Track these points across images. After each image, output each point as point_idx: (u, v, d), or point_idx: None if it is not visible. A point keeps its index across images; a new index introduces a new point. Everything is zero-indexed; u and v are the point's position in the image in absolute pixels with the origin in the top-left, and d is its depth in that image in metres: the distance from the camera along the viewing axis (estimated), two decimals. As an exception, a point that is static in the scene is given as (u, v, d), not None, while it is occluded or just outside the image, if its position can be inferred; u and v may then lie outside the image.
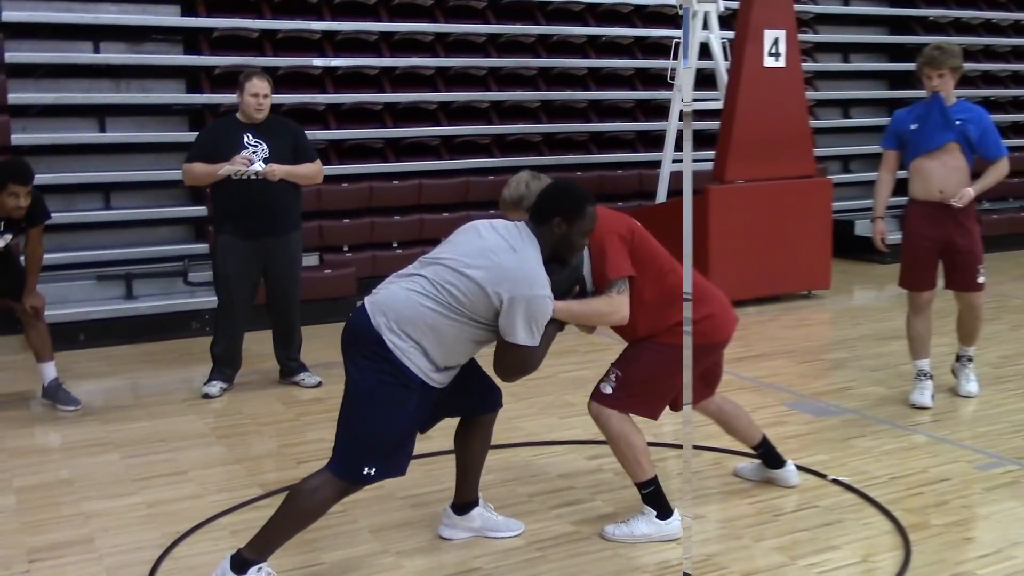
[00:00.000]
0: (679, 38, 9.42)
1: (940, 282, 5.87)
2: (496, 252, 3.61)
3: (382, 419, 3.56)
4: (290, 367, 6.49)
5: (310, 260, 8.72)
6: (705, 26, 9.35)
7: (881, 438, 5.25)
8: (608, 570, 3.85)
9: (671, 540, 4.05)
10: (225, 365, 6.34)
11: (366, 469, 3.56)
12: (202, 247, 8.46)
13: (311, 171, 6.29)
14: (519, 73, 10.32)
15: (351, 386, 3.62)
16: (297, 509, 3.60)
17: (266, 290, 6.35)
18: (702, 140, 10.66)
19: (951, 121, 5.58)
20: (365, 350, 3.58)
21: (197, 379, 6.46)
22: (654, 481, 4.09)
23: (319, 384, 6.41)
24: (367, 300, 3.68)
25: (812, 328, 8.22)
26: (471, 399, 4.00)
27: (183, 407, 6.07)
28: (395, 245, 9.25)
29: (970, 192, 5.58)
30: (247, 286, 6.26)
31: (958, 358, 6.05)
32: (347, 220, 9.11)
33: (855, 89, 12.33)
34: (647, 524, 4.07)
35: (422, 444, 5.17)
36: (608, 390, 4.07)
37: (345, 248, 9.07)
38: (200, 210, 8.61)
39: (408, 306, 3.56)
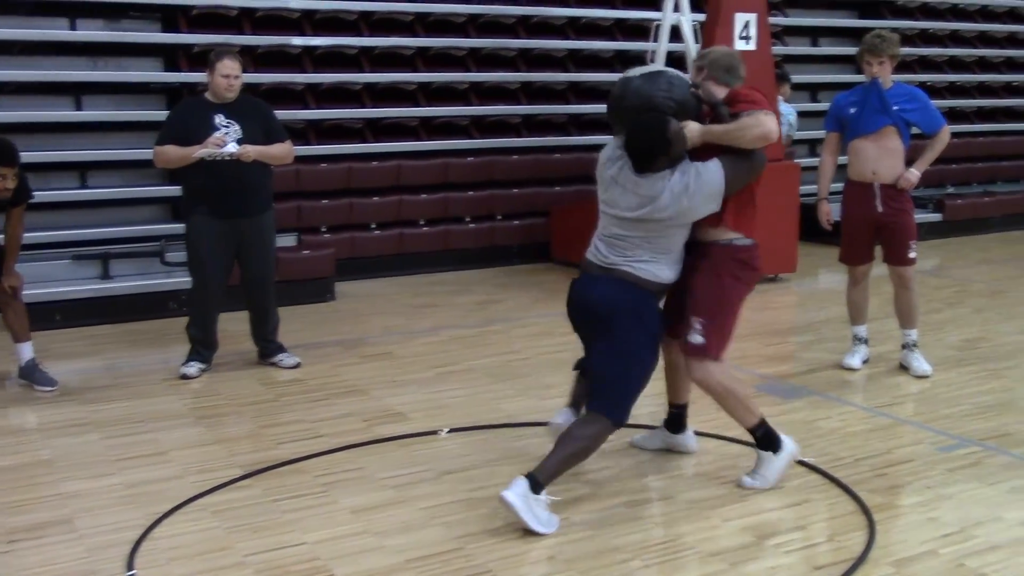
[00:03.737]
0: (659, 20, 9.45)
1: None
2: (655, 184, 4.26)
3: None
4: (268, 348, 6.50)
5: (288, 241, 8.74)
6: (676, 8, 9.38)
7: (846, 420, 5.35)
8: (589, 550, 3.89)
9: (797, 460, 4.44)
10: (202, 346, 6.34)
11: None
12: (179, 227, 8.34)
13: (283, 151, 6.30)
14: (499, 54, 10.33)
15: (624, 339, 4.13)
16: (582, 451, 4.14)
17: (240, 271, 6.34)
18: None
19: (888, 106, 5.89)
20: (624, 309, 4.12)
21: (175, 359, 6.47)
22: (763, 422, 4.33)
23: (298, 365, 6.43)
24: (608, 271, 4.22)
25: (779, 311, 8.27)
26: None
27: (162, 387, 6.08)
28: (373, 226, 9.30)
29: (914, 174, 5.93)
30: (221, 267, 6.25)
31: (903, 347, 6.17)
32: (326, 201, 9.13)
33: (824, 73, 12.39)
34: (770, 464, 4.36)
35: (400, 426, 5.27)
36: (699, 340, 4.24)
37: (323, 229, 9.10)
38: (178, 190, 8.42)
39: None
